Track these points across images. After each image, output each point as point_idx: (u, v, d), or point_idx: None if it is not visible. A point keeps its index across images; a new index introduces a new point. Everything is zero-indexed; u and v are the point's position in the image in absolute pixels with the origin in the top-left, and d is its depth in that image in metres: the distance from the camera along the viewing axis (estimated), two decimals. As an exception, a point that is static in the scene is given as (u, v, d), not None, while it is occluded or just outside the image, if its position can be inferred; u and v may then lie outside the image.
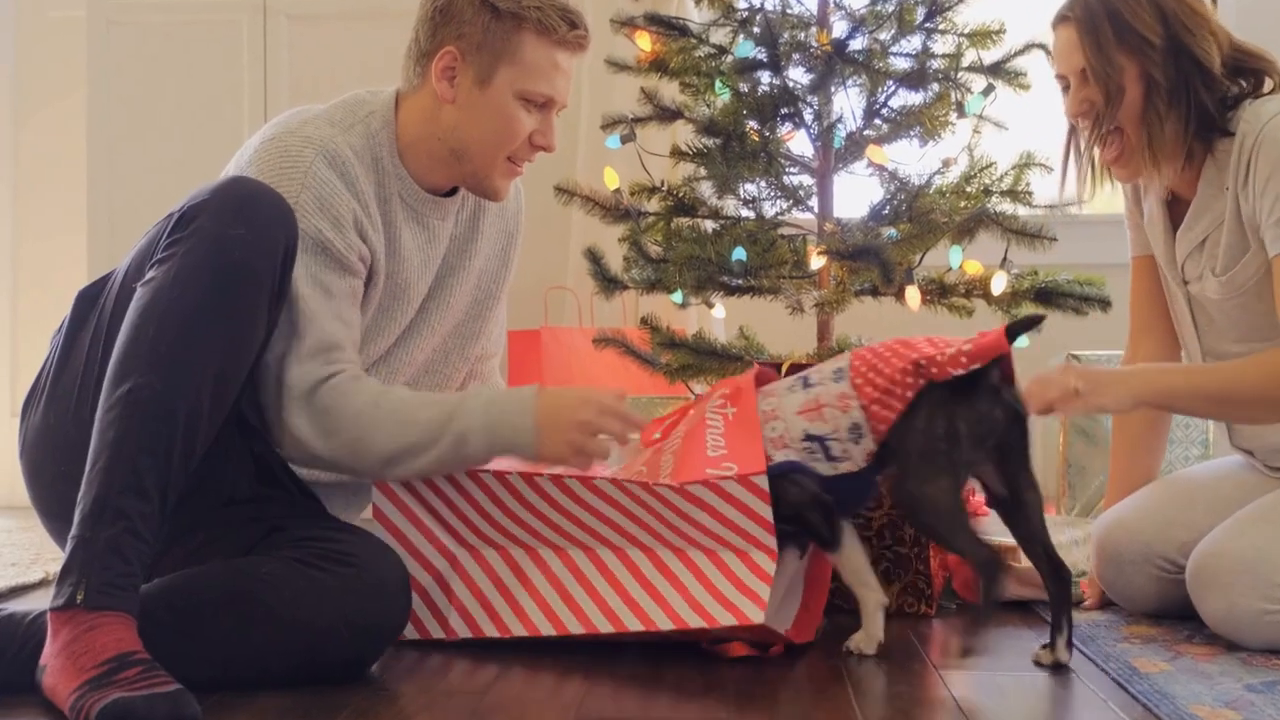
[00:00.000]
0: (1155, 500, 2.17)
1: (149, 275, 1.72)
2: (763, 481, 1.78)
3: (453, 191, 2.06)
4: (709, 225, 2.63)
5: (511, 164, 2.00)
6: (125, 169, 3.64)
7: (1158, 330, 2.26)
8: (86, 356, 1.84)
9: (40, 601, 2.30)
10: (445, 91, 1.95)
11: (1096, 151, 2.15)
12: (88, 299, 1.90)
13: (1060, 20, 2.14)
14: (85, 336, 1.86)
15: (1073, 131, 2.19)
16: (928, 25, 2.51)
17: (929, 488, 1.77)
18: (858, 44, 2.50)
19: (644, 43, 2.65)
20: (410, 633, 1.97)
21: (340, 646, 1.74)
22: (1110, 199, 2.40)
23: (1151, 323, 2.27)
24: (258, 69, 3.68)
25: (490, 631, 1.92)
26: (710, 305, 2.83)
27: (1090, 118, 2.13)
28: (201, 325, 1.69)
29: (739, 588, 1.78)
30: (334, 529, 1.85)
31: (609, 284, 2.69)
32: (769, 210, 2.66)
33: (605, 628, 1.85)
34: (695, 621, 1.79)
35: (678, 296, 2.67)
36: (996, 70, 2.58)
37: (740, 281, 2.52)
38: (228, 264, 1.69)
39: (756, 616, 1.76)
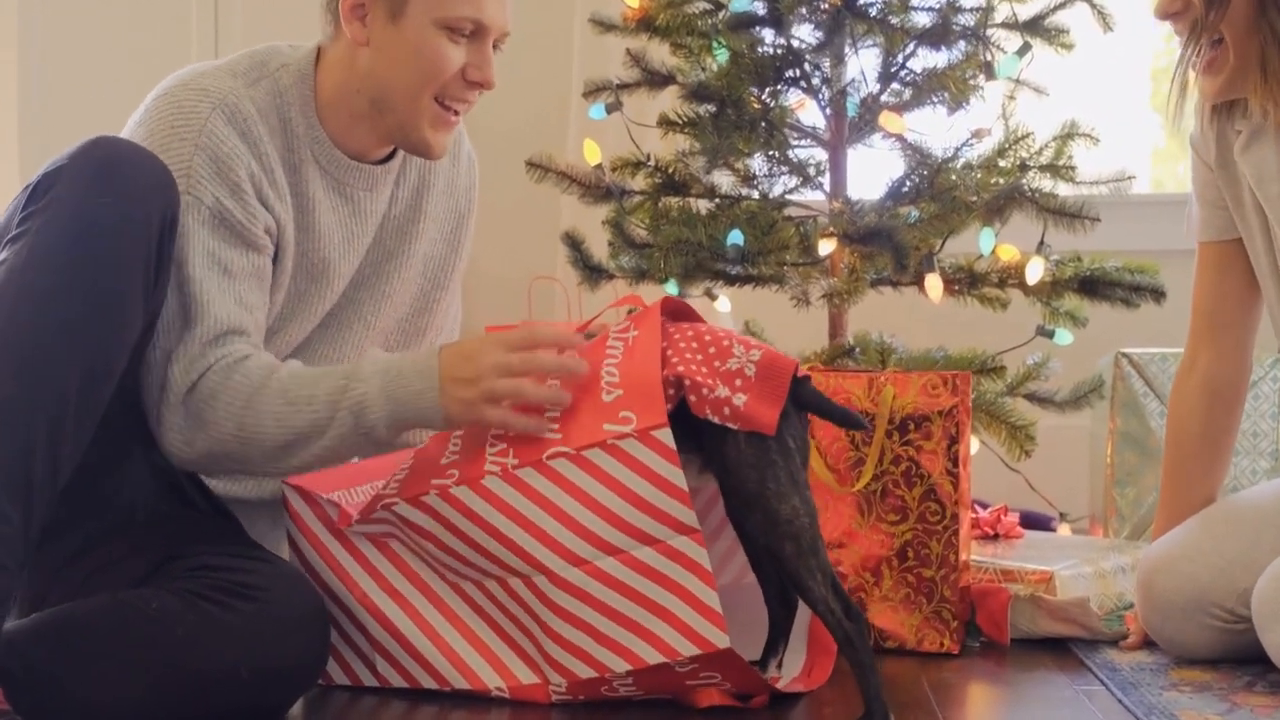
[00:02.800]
0: (1212, 535, 1.99)
1: (1, 256, 1.57)
2: (666, 437, 1.61)
3: (386, 161, 1.91)
4: (704, 206, 2.48)
5: (443, 109, 1.83)
6: (65, 141, 3.54)
7: (1224, 336, 2.07)
8: None
9: None
10: (358, 33, 1.81)
11: (1191, 70, 1.93)
12: None
13: None
14: None
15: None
16: (952, -29, 2.35)
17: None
18: (872, -4, 2.35)
19: (631, -1, 2.50)
20: (339, 677, 1.83)
21: (243, 692, 1.61)
22: (1165, 174, 2.21)
23: (1217, 326, 2.08)
24: (208, 37, 3.56)
25: (426, 683, 1.79)
26: (713, 297, 2.68)
27: (1185, 19, 1.92)
28: (60, 315, 1.54)
29: (683, 598, 1.62)
30: (239, 555, 1.71)
31: (592, 273, 2.55)
32: (774, 188, 2.50)
33: (555, 678, 1.70)
34: (652, 656, 1.64)
35: (671, 286, 2.53)
36: (1034, 27, 2.43)
37: (738, 269, 2.36)
38: (90, 241, 1.55)
39: (719, 639, 1.60)
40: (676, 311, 1.79)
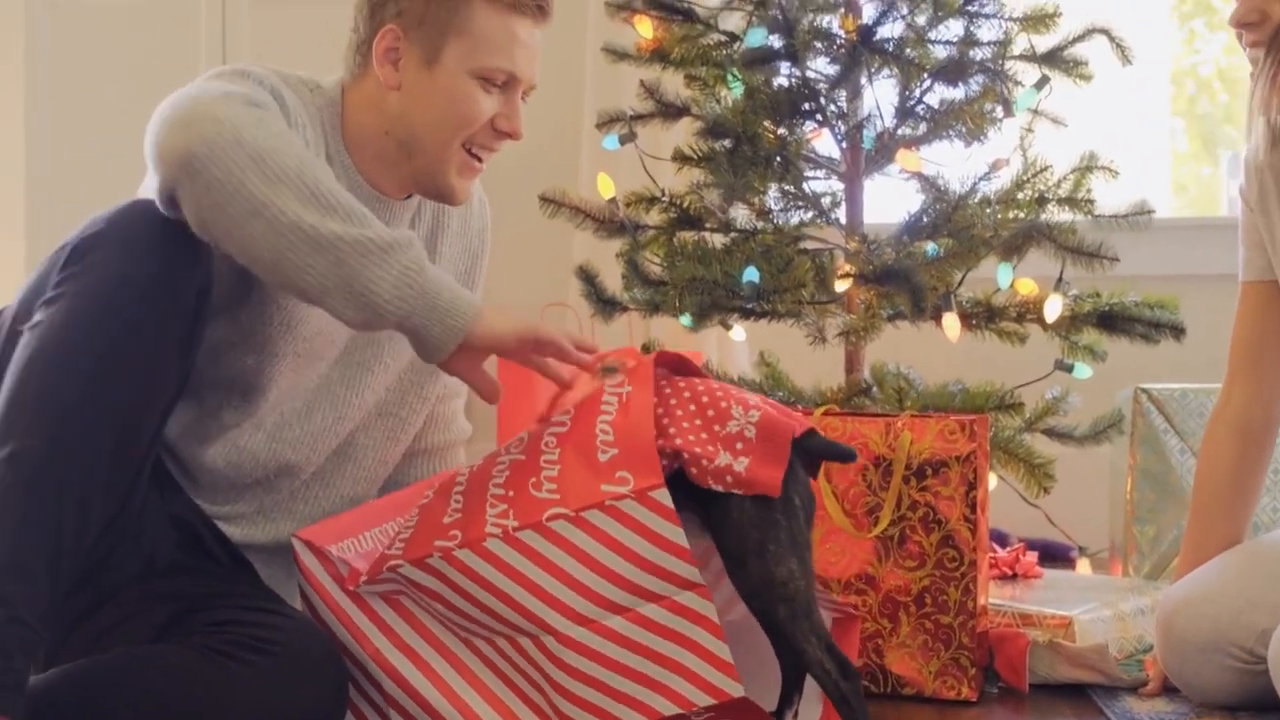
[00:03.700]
0: (1231, 576, 2.03)
1: (36, 317, 1.62)
2: (664, 497, 1.64)
3: (403, 198, 1.95)
4: (718, 240, 2.51)
5: (470, 156, 1.88)
6: (69, 165, 3.61)
7: (1261, 375, 2.10)
8: None
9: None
10: (390, 76, 1.85)
11: (1264, 85, 1.92)
12: None
13: None
14: None
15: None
16: (970, 8, 2.38)
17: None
18: (888, 30, 2.37)
19: (645, 29, 2.55)
20: (356, 728, 1.86)
21: (262, 749, 1.64)
22: (1213, 203, 2.22)
23: (1254, 364, 2.11)
24: (216, 56, 3.61)
25: None
26: (727, 327, 2.72)
27: (1262, 30, 1.93)
28: (96, 380, 1.58)
29: (694, 650, 1.66)
30: (259, 609, 1.75)
31: (606, 305, 2.59)
32: (788, 221, 2.54)
33: None
34: (667, 709, 1.67)
35: (686, 320, 2.56)
36: (1052, 59, 2.45)
37: (753, 305, 2.40)
38: (127, 308, 1.59)
39: (732, 689, 1.64)
40: (674, 365, 1.82)
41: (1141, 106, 4.05)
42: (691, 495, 1.69)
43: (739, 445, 1.70)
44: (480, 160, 1.90)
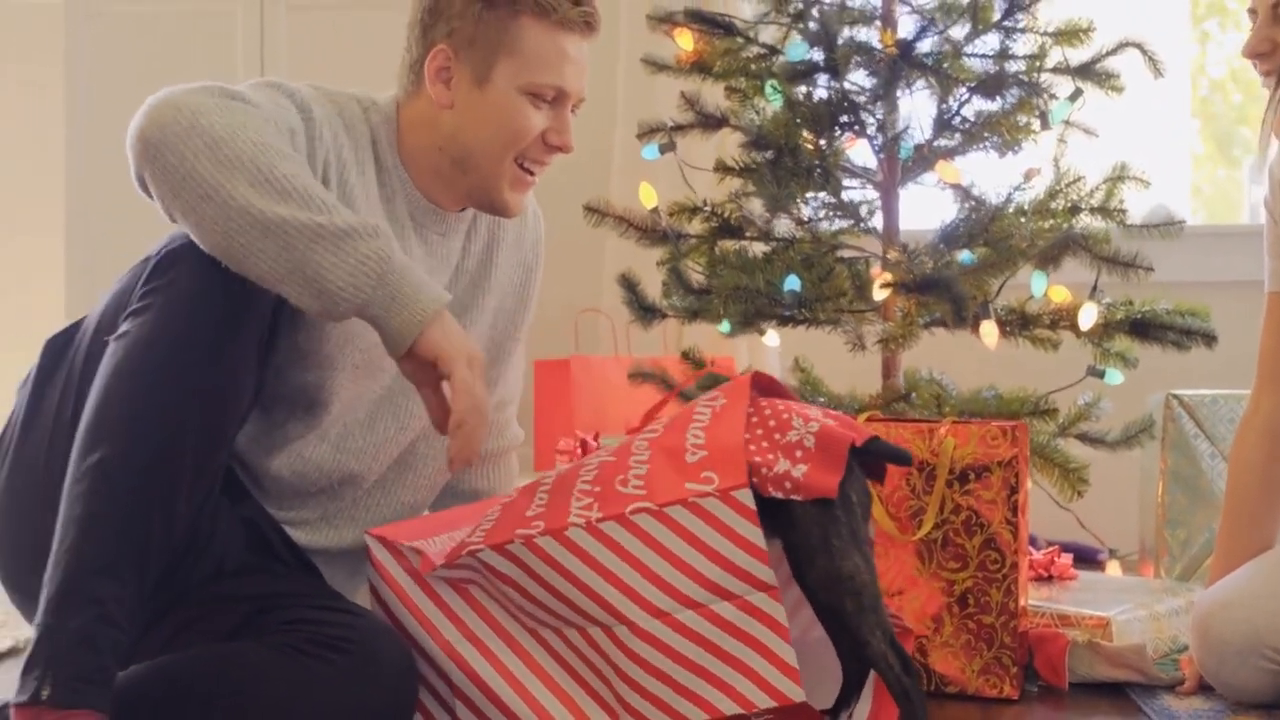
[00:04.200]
0: (1267, 580, 2.11)
1: (122, 328, 1.71)
2: (746, 497, 1.73)
3: (459, 210, 2.03)
4: (758, 248, 2.60)
5: (522, 171, 1.95)
6: (107, 171, 3.65)
7: None
8: (55, 415, 1.82)
9: (10, 673, 2.32)
10: (442, 95, 1.92)
11: (1274, 111, 2.03)
12: (56, 349, 1.88)
13: None
14: (54, 393, 1.84)
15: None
16: (1006, 23, 2.47)
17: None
18: (927, 45, 2.46)
19: (685, 41, 2.63)
20: (420, 723, 1.95)
21: (341, 742, 1.73)
22: (1229, 205, 2.31)
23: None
24: (254, 63, 3.69)
25: None
26: (761, 332, 2.80)
27: (1274, 61, 2.02)
28: (181, 386, 1.67)
29: (760, 652, 1.74)
30: (329, 609, 1.83)
31: (646, 312, 2.67)
32: (825, 228, 2.62)
33: None
34: (729, 708, 1.75)
35: (725, 327, 2.64)
36: (1085, 72, 2.54)
37: (794, 313, 2.48)
38: (210, 316, 1.68)
39: (794, 693, 1.72)
40: (764, 386, 1.91)
41: (1161, 110, 4.13)
42: (758, 503, 1.78)
43: (798, 453, 1.78)
44: (532, 174, 1.96)
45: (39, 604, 1.70)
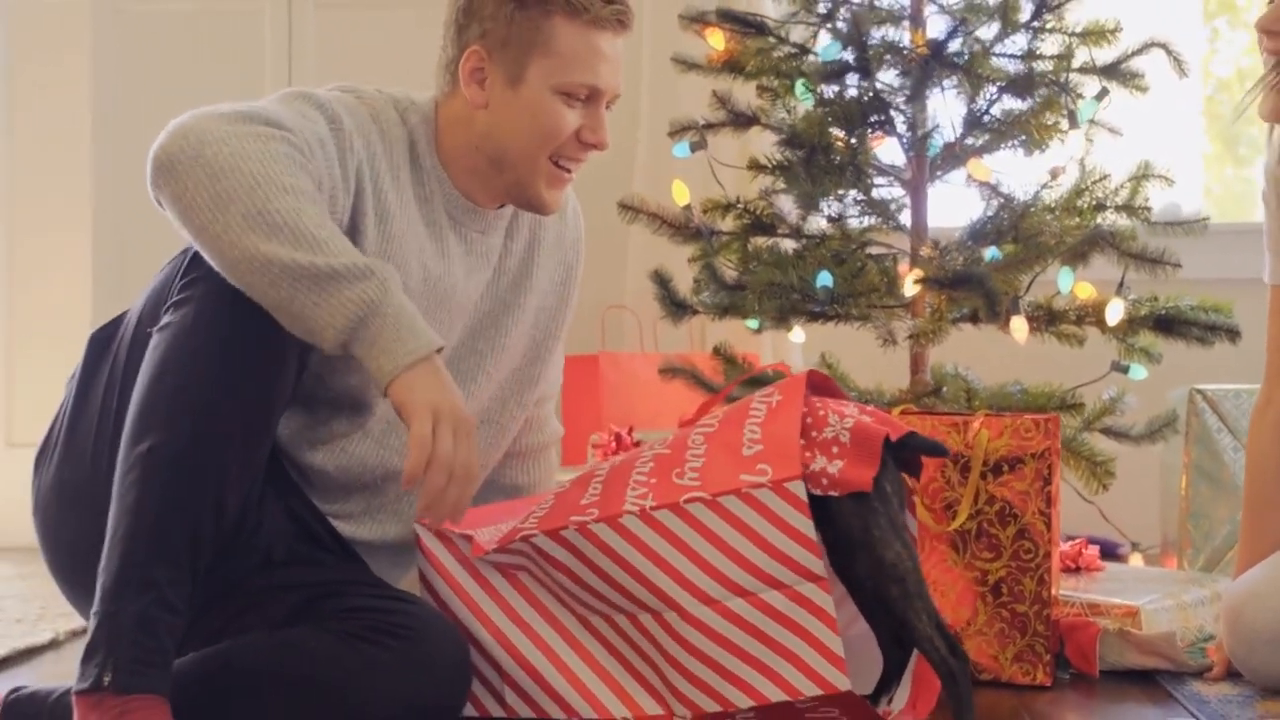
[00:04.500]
0: (1297, 569, 2.17)
1: (165, 320, 1.76)
2: (799, 489, 1.79)
3: (498, 208, 2.07)
4: (789, 245, 2.65)
5: (558, 168, 1.98)
6: (134, 170, 3.68)
7: None
8: (101, 407, 1.88)
9: (52, 666, 2.37)
10: (476, 96, 1.95)
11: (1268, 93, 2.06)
12: (100, 343, 1.94)
13: None
14: (99, 385, 1.90)
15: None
16: (1034, 24, 2.52)
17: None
18: (956, 45, 2.52)
19: (716, 41, 2.68)
20: (468, 710, 2.00)
21: (400, 726, 1.79)
22: (1238, 204, 2.37)
23: None
24: (282, 62, 3.73)
25: (554, 712, 1.95)
26: (788, 328, 2.85)
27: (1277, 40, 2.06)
28: (225, 375, 1.72)
29: (808, 641, 1.80)
30: (386, 597, 1.89)
31: (677, 308, 2.72)
32: (855, 225, 2.68)
33: (680, 710, 1.87)
34: (775, 695, 1.81)
35: (753, 323, 2.70)
36: (1111, 72, 2.59)
37: (827, 309, 2.54)
38: (250, 305, 1.72)
39: (840, 682, 1.78)
40: (818, 385, 1.96)
41: (1173, 109, 4.18)
42: None
43: (834, 449, 1.84)
44: (569, 171, 2.00)
45: (95, 592, 1.76)
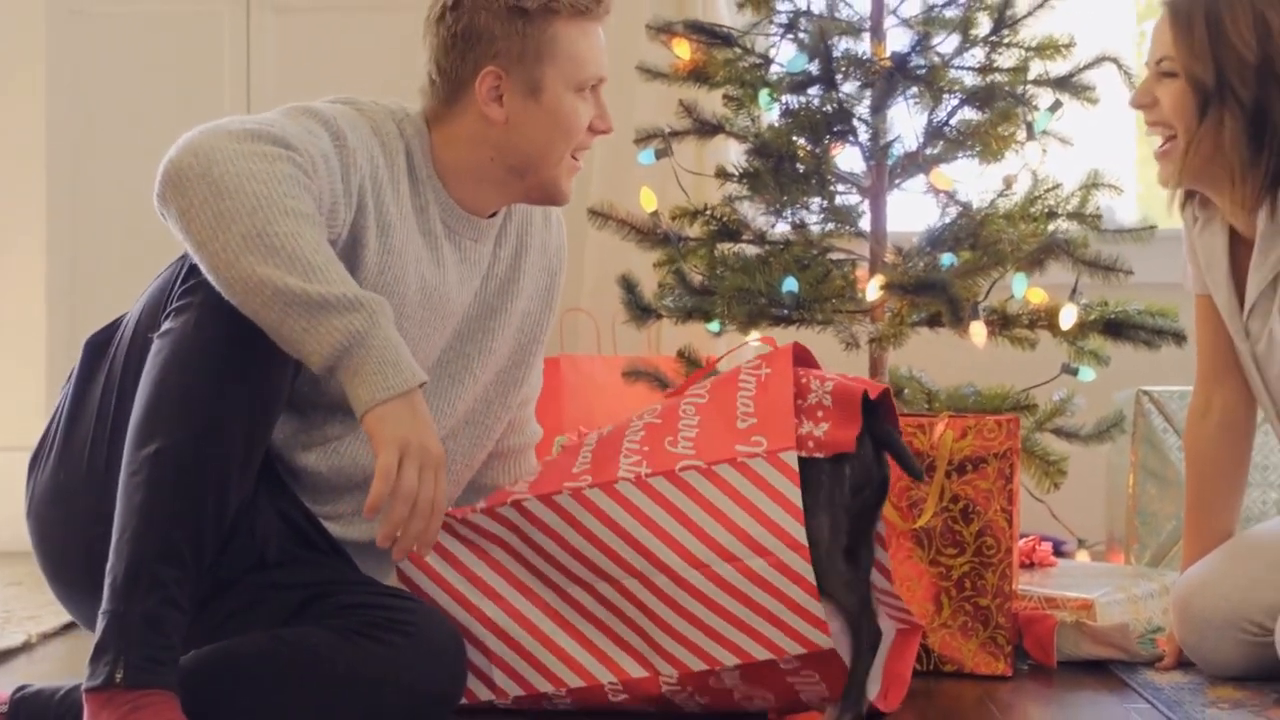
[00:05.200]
0: (1238, 560, 2.33)
1: (166, 326, 1.83)
2: (791, 459, 1.92)
3: (489, 216, 2.15)
4: (753, 251, 2.77)
5: (574, 161, 2.09)
6: (91, 175, 3.74)
7: (1233, 377, 2.40)
8: (98, 410, 1.95)
9: (26, 668, 2.42)
10: (496, 114, 2.03)
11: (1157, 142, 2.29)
12: (96, 348, 2.00)
13: (1163, 3, 2.27)
14: (95, 389, 1.97)
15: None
16: (993, 38, 2.65)
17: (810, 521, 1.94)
18: (919, 59, 2.65)
19: (682, 51, 2.78)
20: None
21: (401, 718, 1.88)
22: (1165, 207, 2.51)
23: (1223, 368, 2.41)
24: (240, 65, 3.77)
25: (542, 686, 2.05)
26: (745, 332, 2.97)
27: (1150, 115, 2.28)
28: (228, 379, 1.80)
29: (789, 606, 1.92)
30: (384, 594, 1.98)
31: (642, 312, 2.82)
32: (816, 231, 2.80)
33: (666, 669, 1.98)
34: (760, 653, 1.93)
35: (714, 326, 2.81)
36: (1064, 84, 2.73)
37: (792, 314, 2.66)
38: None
39: (822, 640, 1.90)
40: (800, 357, 2.09)
41: (1106, 112, 4.34)
42: None
43: (820, 414, 1.97)
44: (579, 160, 2.11)
45: (89, 593, 1.84)
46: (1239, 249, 2.31)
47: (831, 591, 1.93)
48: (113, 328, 2.01)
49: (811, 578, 1.90)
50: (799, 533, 1.91)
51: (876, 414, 2.01)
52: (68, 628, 2.72)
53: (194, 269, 1.84)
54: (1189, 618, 2.32)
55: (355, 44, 3.73)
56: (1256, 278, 2.26)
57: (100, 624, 1.74)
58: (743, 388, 2.01)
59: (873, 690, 2.11)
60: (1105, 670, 2.39)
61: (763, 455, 1.93)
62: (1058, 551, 3.18)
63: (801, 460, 1.94)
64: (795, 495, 1.91)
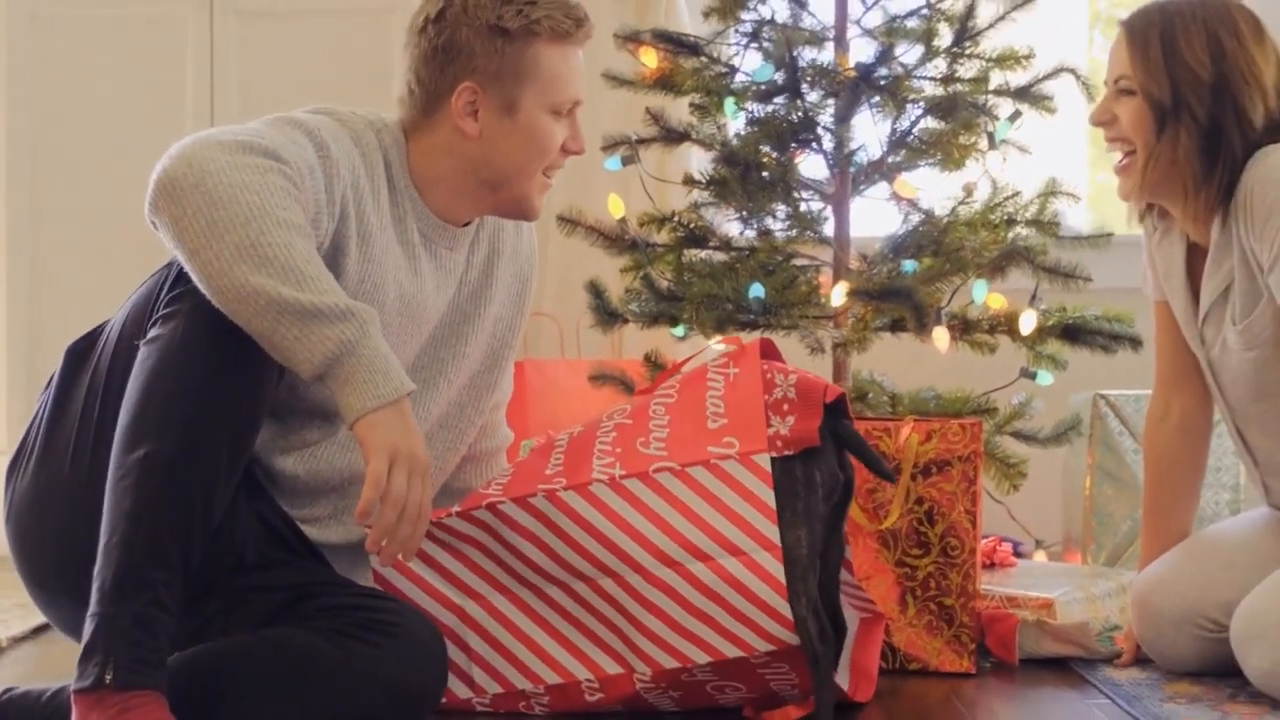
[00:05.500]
0: (1195, 558, 2.42)
1: (153, 333, 1.87)
2: (764, 461, 1.98)
3: (464, 224, 2.20)
4: (719, 257, 2.84)
5: (545, 178, 2.15)
6: (51, 180, 3.74)
7: (1192, 381, 2.49)
8: (81, 416, 1.98)
9: (6, 672, 2.45)
10: (470, 128, 2.09)
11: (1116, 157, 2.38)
12: (78, 354, 2.04)
13: (1120, 23, 2.36)
14: (78, 395, 2.00)
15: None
16: (955, 49, 2.73)
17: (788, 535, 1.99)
18: (883, 69, 2.72)
19: (649, 59, 2.84)
20: (438, 697, 2.14)
21: (383, 718, 1.93)
22: (1117, 210, 2.60)
23: (1182, 373, 2.50)
24: (203, 69, 3.79)
25: (520, 683, 2.11)
26: (707, 336, 3.03)
27: (1110, 131, 2.36)
28: (215, 385, 1.85)
29: (758, 605, 1.98)
30: (365, 595, 2.03)
31: (609, 317, 2.88)
32: (780, 238, 2.87)
33: (641, 667, 2.04)
34: (731, 651, 1.99)
35: (679, 330, 2.87)
36: (1023, 94, 2.81)
37: (759, 319, 2.72)
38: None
39: (790, 639, 1.96)
40: (766, 352, 2.15)
41: (1060, 117, 4.43)
42: None
43: (785, 408, 2.03)
44: (551, 178, 2.17)
45: (71, 596, 1.88)
46: (1195, 258, 2.39)
47: (805, 600, 1.97)
48: (94, 335, 2.05)
49: (782, 577, 1.96)
50: (771, 532, 1.97)
51: (838, 416, 2.07)
52: (37, 631, 2.75)
53: (180, 277, 1.89)
54: (1147, 614, 2.40)
55: (318, 49, 3.76)
56: (1210, 286, 2.34)
57: (89, 626, 1.77)
58: (711, 387, 2.07)
59: (842, 681, 2.18)
60: (1065, 667, 2.47)
61: (735, 457, 1.99)
62: (1016, 552, 3.27)
63: (776, 465, 2.00)
64: (768, 496, 1.97)
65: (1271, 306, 2.26)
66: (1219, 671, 2.36)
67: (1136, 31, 2.32)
